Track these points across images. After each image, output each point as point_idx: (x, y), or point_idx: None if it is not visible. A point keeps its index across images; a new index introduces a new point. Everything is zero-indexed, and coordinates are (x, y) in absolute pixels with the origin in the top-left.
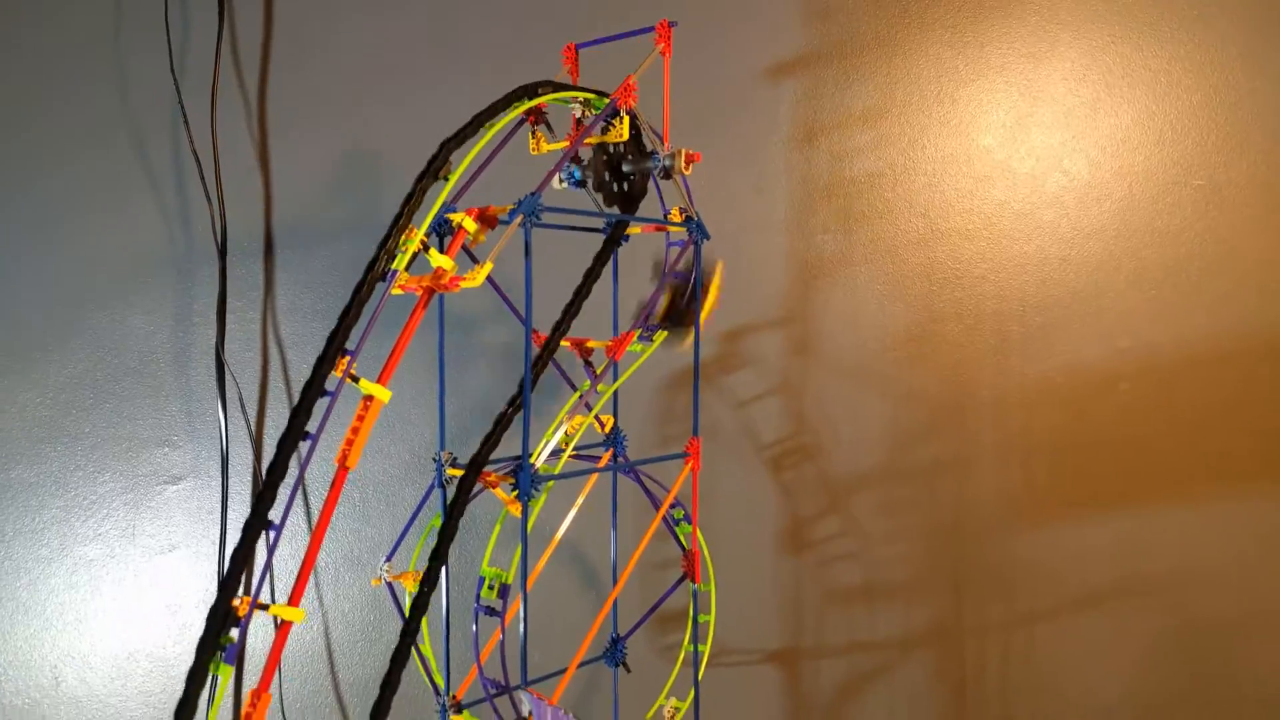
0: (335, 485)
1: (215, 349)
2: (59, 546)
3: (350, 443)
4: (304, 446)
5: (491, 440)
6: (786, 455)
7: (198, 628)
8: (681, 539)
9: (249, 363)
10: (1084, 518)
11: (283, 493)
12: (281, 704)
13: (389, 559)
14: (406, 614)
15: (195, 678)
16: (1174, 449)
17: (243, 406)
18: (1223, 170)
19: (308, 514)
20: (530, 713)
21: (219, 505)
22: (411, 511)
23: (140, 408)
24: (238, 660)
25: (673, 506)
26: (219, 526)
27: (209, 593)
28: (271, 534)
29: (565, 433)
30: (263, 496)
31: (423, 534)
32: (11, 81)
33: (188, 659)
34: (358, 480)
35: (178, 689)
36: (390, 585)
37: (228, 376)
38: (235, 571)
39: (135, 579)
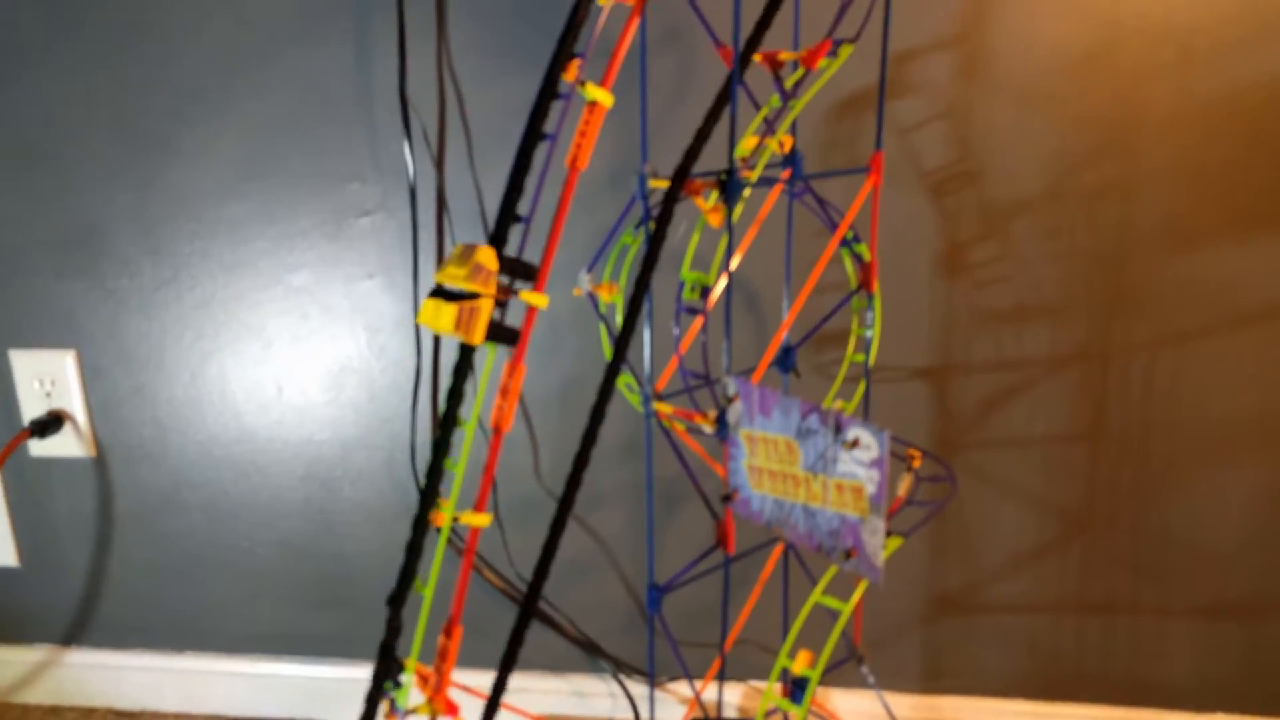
0: (568, 186)
1: (399, 87)
2: (271, 275)
3: (579, 145)
4: (543, 148)
5: (693, 152)
6: (948, 182)
7: (395, 347)
8: (859, 252)
9: (427, 101)
10: (1251, 239)
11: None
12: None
13: (590, 270)
14: (619, 327)
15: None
16: None
17: (426, 141)
18: None
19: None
20: (736, 392)
21: (409, 236)
22: (611, 223)
23: (329, 145)
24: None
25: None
26: (411, 255)
27: (406, 315)
28: (521, 226)
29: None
30: (510, 194)
31: (614, 249)
32: None
33: (392, 372)
34: None
35: (384, 398)
36: (591, 296)
37: (411, 114)
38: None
39: (339, 304)
